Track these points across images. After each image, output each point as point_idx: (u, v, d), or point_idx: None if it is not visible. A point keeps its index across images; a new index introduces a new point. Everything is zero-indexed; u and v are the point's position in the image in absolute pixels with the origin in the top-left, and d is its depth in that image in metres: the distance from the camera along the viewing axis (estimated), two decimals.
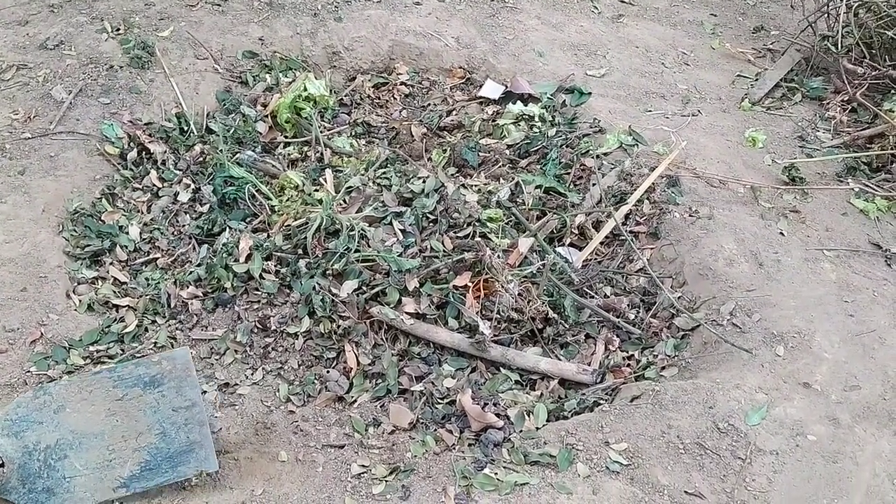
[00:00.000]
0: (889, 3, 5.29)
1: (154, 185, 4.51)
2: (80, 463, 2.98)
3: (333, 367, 3.72)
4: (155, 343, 3.70)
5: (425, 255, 3.96)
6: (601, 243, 4.35)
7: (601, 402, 3.51)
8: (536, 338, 3.87)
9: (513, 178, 4.58)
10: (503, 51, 5.63)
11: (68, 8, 5.41)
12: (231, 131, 4.85)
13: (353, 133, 5.15)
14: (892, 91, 5.18)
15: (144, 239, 4.25)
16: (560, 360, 3.76)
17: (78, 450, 3.01)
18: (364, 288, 3.82)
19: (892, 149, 4.82)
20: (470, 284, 3.83)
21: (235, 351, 3.74)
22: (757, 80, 5.62)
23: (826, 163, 4.90)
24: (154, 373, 3.21)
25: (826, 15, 5.73)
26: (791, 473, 3.16)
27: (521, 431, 3.33)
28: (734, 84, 5.61)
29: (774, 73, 5.62)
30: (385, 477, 3.15)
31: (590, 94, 5.25)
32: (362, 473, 3.17)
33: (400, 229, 4.08)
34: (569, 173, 4.69)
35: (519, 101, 5.19)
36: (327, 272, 3.85)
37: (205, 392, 3.46)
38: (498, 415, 3.40)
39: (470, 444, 3.32)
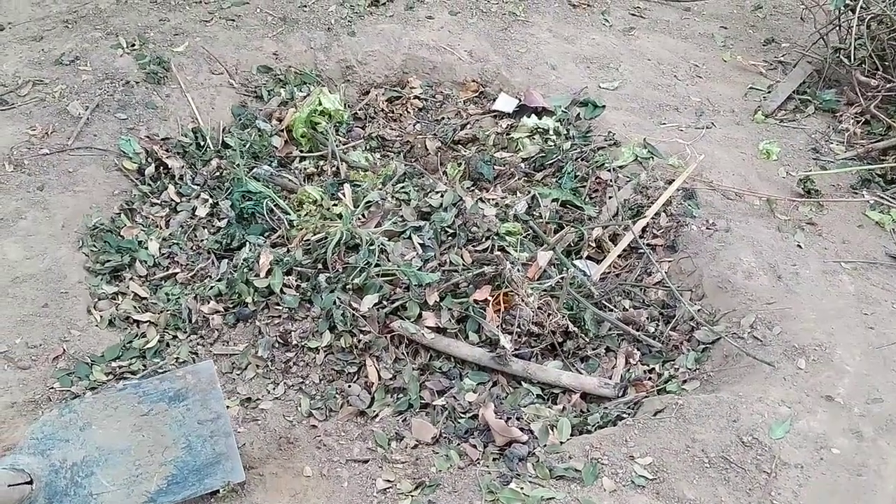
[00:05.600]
0: None
1: (172, 200, 4.53)
2: (107, 479, 2.98)
3: (355, 382, 3.73)
4: (177, 358, 3.71)
5: (445, 269, 3.97)
6: (618, 256, 4.36)
7: (624, 415, 3.52)
8: (556, 351, 3.88)
9: (529, 192, 4.60)
10: (516, 64, 5.65)
11: (83, 24, 5.45)
12: (247, 146, 4.87)
13: (368, 147, 5.17)
14: None
15: (164, 254, 4.26)
16: (581, 373, 3.76)
17: (104, 466, 3.01)
18: (384, 302, 3.83)
19: None
20: (490, 298, 3.84)
21: (257, 366, 3.75)
22: (769, 92, 5.63)
23: (840, 175, 4.91)
24: (179, 387, 3.22)
25: (838, 27, 5.75)
26: (816, 487, 3.15)
27: (545, 446, 3.33)
28: (747, 96, 5.63)
29: (787, 86, 5.64)
30: (410, 492, 3.15)
31: (604, 106, 5.27)
32: (388, 488, 3.17)
33: (419, 243, 4.09)
34: (584, 186, 4.71)
35: (533, 115, 5.20)
36: (347, 287, 3.86)
37: (227, 407, 3.45)
38: (521, 429, 3.40)
39: (494, 459, 3.32)
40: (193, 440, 3.10)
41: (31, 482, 2.89)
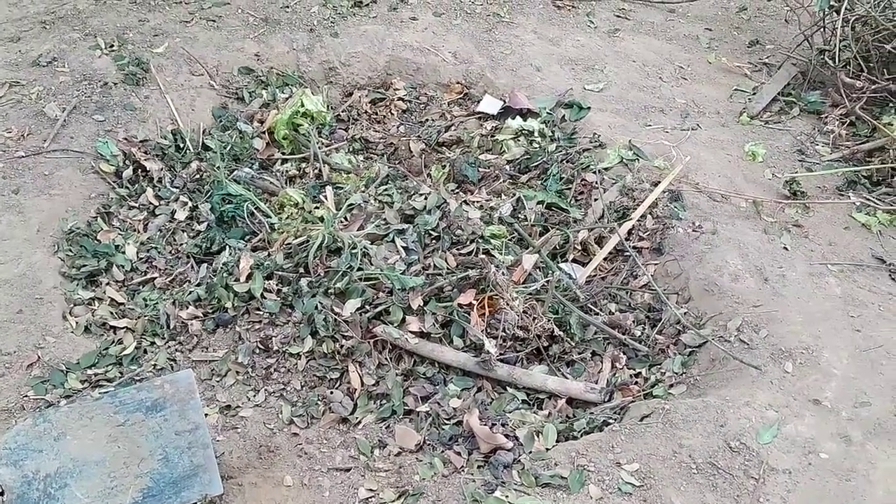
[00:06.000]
0: (886, 17, 5.30)
1: (150, 203, 4.44)
2: (81, 492, 2.89)
3: (337, 388, 3.67)
4: (154, 365, 3.63)
5: (429, 273, 3.91)
6: (604, 259, 4.31)
7: (610, 421, 3.46)
8: (542, 356, 3.83)
9: (514, 194, 4.55)
10: (501, 66, 5.61)
11: (61, 25, 5.35)
12: (228, 148, 4.80)
13: (351, 149, 5.11)
14: (891, 104, 5.19)
15: (141, 258, 4.18)
16: (567, 378, 3.71)
17: (78, 478, 2.92)
18: (367, 307, 3.77)
19: (892, 162, 4.82)
20: (474, 302, 3.79)
21: (237, 372, 3.67)
22: (754, 94, 5.61)
23: (826, 177, 4.89)
24: (156, 397, 3.14)
25: (822, 29, 5.74)
26: (804, 492, 3.12)
27: (530, 452, 3.28)
28: (732, 98, 5.61)
29: (772, 87, 5.63)
30: (393, 501, 3.10)
31: (589, 108, 5.23)
32: (370, 497, 3.12)
33: (402, 247, 4.03)
34: (570, 189, 4.66)
35: (518, 117, 5.15)
36: (329, 291, 3.79)
37: (206, 415, 3.38)
38: (507, 435, 3.34)
39: (479, 466, 3.26)
40: (170, 452, 3.02)
41: (2, 493, 2.81)
